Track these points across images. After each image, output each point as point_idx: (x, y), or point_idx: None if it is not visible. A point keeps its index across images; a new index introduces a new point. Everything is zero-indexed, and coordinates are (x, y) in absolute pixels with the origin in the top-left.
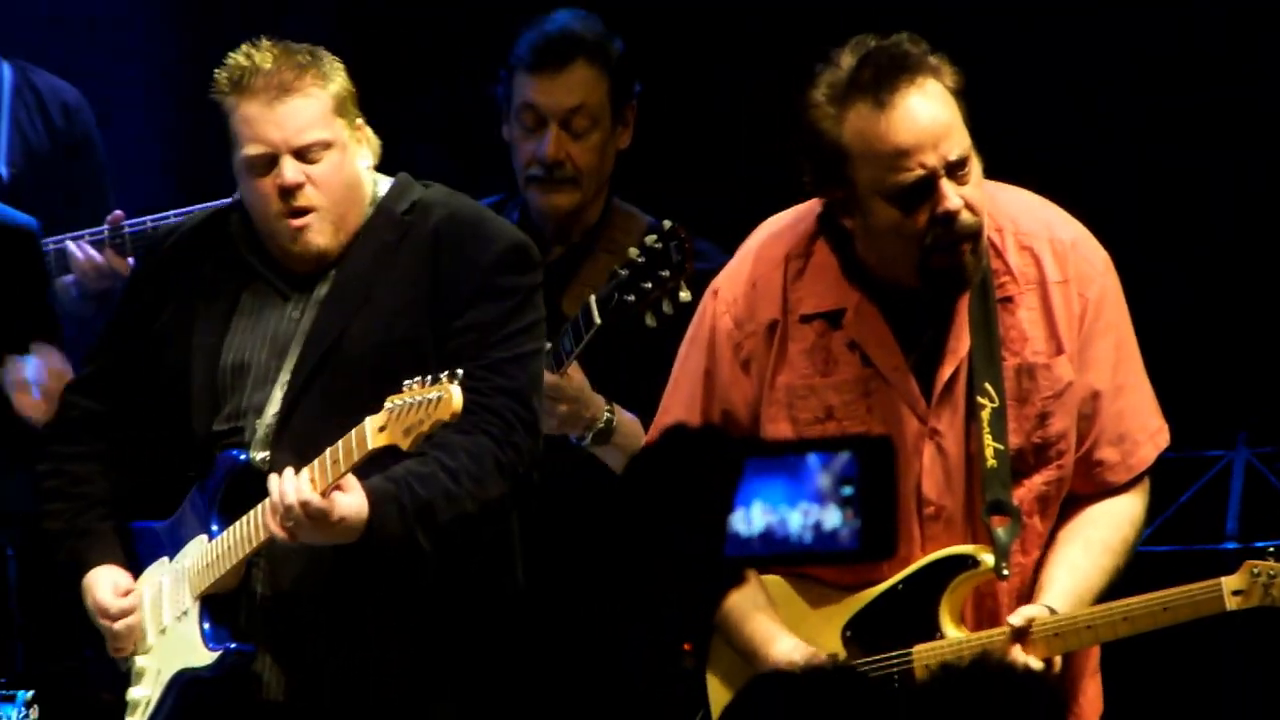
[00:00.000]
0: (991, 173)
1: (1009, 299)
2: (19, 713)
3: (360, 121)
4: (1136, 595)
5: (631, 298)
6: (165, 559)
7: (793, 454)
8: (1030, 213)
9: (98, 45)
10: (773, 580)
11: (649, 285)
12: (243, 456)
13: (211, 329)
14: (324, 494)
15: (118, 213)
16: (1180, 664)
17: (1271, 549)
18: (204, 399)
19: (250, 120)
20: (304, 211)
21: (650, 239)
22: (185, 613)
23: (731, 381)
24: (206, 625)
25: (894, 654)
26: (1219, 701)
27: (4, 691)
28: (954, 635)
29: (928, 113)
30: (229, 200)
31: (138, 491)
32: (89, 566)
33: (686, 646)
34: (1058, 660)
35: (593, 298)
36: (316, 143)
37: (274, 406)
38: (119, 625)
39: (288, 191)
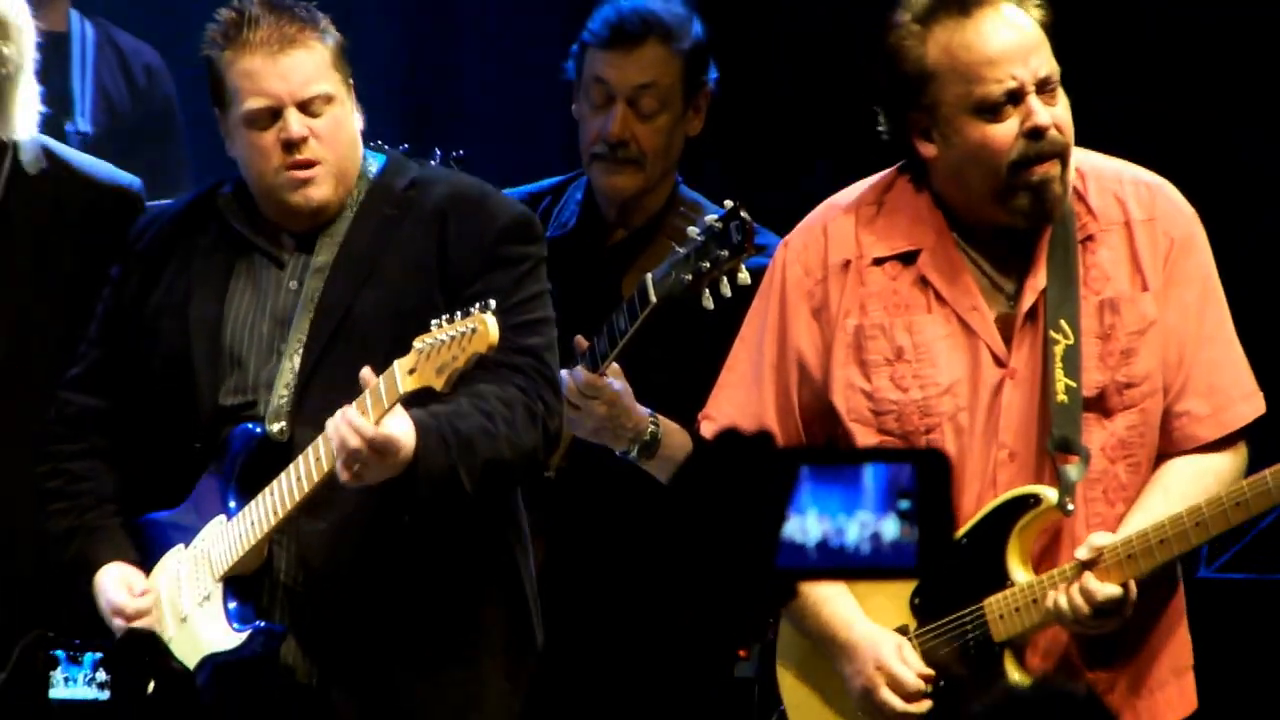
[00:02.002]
0: None
1: (1090, 238)
2: (86, 675)
3: (351, 81)
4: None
5: (689, 277)
6: (180, 546)
7: (855, 461)
8: (1112, 163)
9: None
10: None
11: (707, 265)
12: (259, 430)
13: (208, 304)
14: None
15: None
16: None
17: None
18: (208, 374)
19: (252, 74)
20: (308, 164)
21: (711, 219)
22: (207, 597)
23: (802, 331)
24: (232, 605)
25: (965, 612)
26: None
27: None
28: (1023, 580)
29: (1017, 24)
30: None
31: (142, 486)
32: (99, 565)
33: (742, 654)
34: (1134, 586)
35: (649, 276)
36: (320, 95)
37: (286, 378)
38: (136, 625)
39: (292, 144)
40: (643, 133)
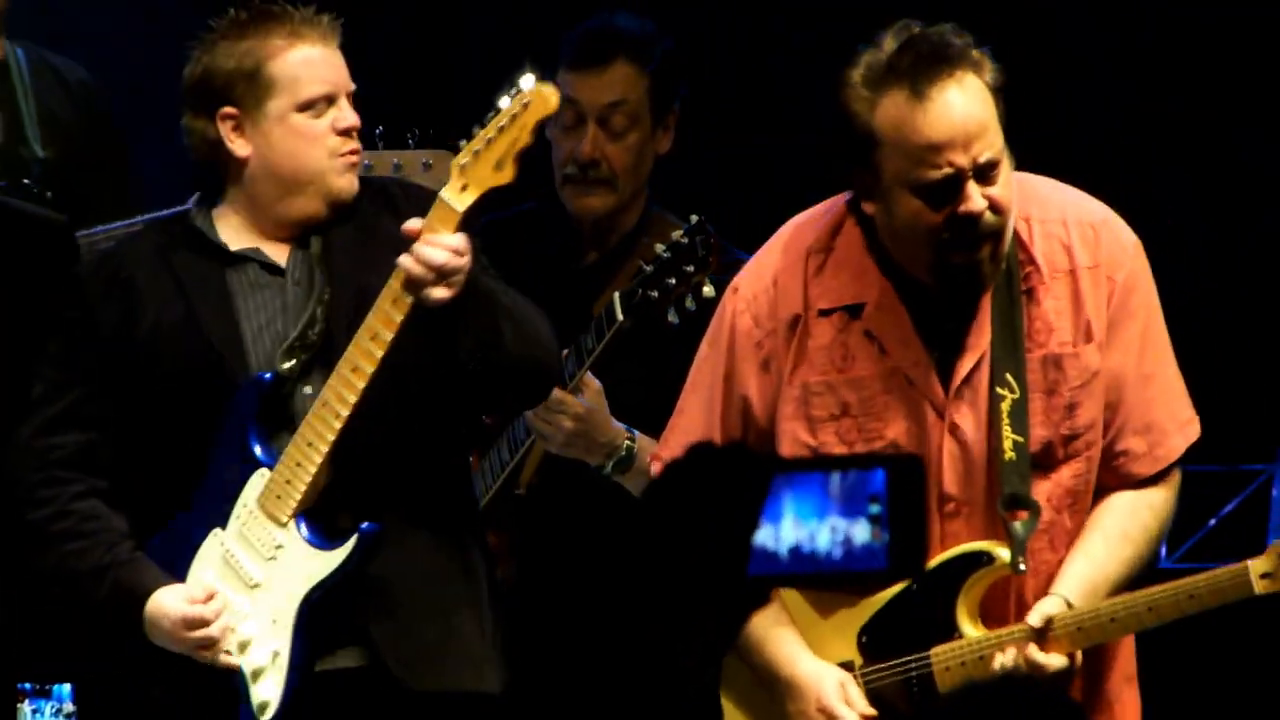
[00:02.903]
0: (1022, 162)
1: (1033, 290)
2: (54, 706)
3: None
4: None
5: (655, 294)
6: (216, 531)
7: (822, 468)
8: (1057, 199)
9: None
10: (784, 588)
11: (673, 281)
12: (267, 375)
13: (220, 317)
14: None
15: None
16: (1221, 670)
17: None
18: (238, 377)
19: (312, 61)
20: (355, 153)
21: (677, 234)
22: (279, 546)
23: (750, 382)
24: (310, 535)
25: (911, 658)
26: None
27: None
28: (973, 635)
29: (963, 110)
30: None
31: (145, 508)
32: (148, 592)
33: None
34: (1079, 655)
35: (616, 295)
36: (352, 90)
37: (294, 330)
38: (215, 629)
39: (348, 131)
40: (614, 152)
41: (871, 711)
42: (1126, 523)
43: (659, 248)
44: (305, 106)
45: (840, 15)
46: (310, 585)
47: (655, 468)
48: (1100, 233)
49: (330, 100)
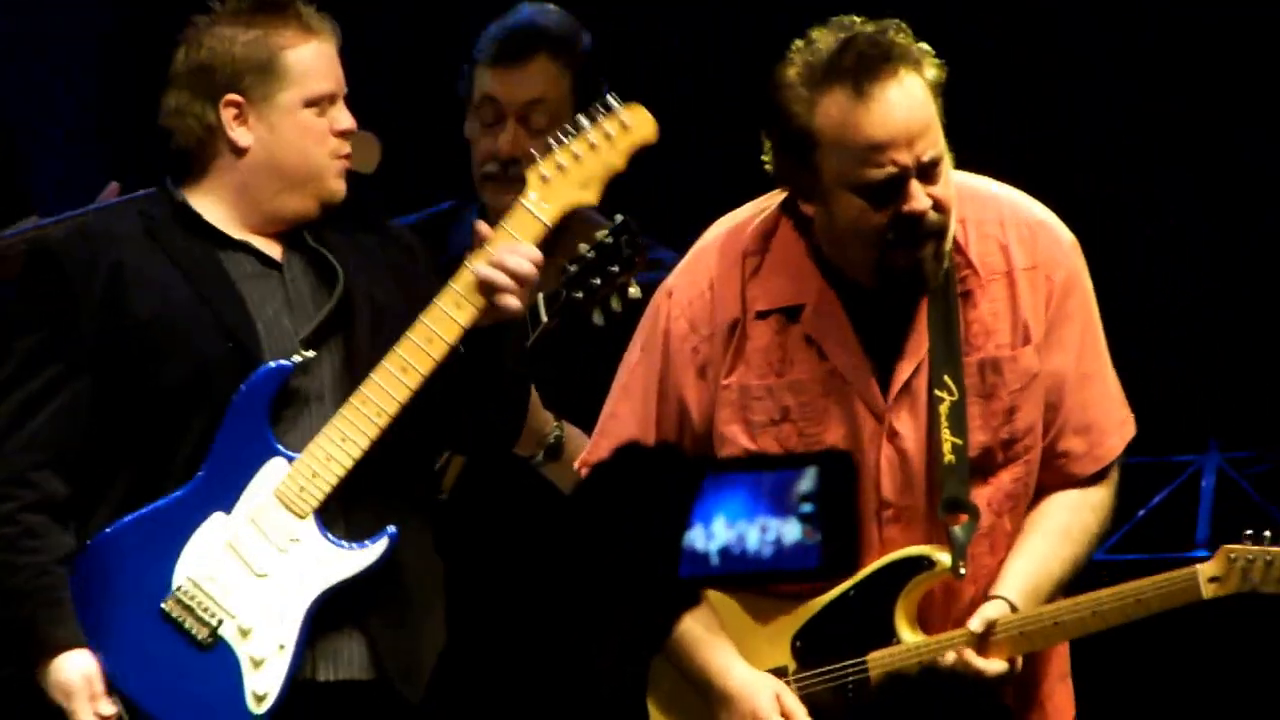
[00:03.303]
0: (966, 162)
1: (970, 293)
2: None
3: None
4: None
5: (580, 294)
6: (218, 515)
7: (753, 468)
8: (994, 200)
9: None
10: (716, 593)
11: (598, 281)
12: (287, 365)
13: (232, 304)
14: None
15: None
16: (1156, 666)
17: (1248, 532)
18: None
19: (323, 57)
20: (349, 156)
21: (601, 233)
22: (295, 539)
23: (686, 387)
24: (332, 536)
25: (848, 663)
26: (1195, 705)
27: None
28: (911, 640)
29: (906, 108)
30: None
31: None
32: (60, 648)
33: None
34: (1020, 660)
35: (541, 296)
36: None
37: (309, 323)
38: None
39: (345, 134)
40: (534, 149)
41: None
42: (1068, 521)
43: (583, 248)
44: (313, 102)
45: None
46: (331, 583)
47: (584, 472)
48: (1037, 233)
49: (333, 99)
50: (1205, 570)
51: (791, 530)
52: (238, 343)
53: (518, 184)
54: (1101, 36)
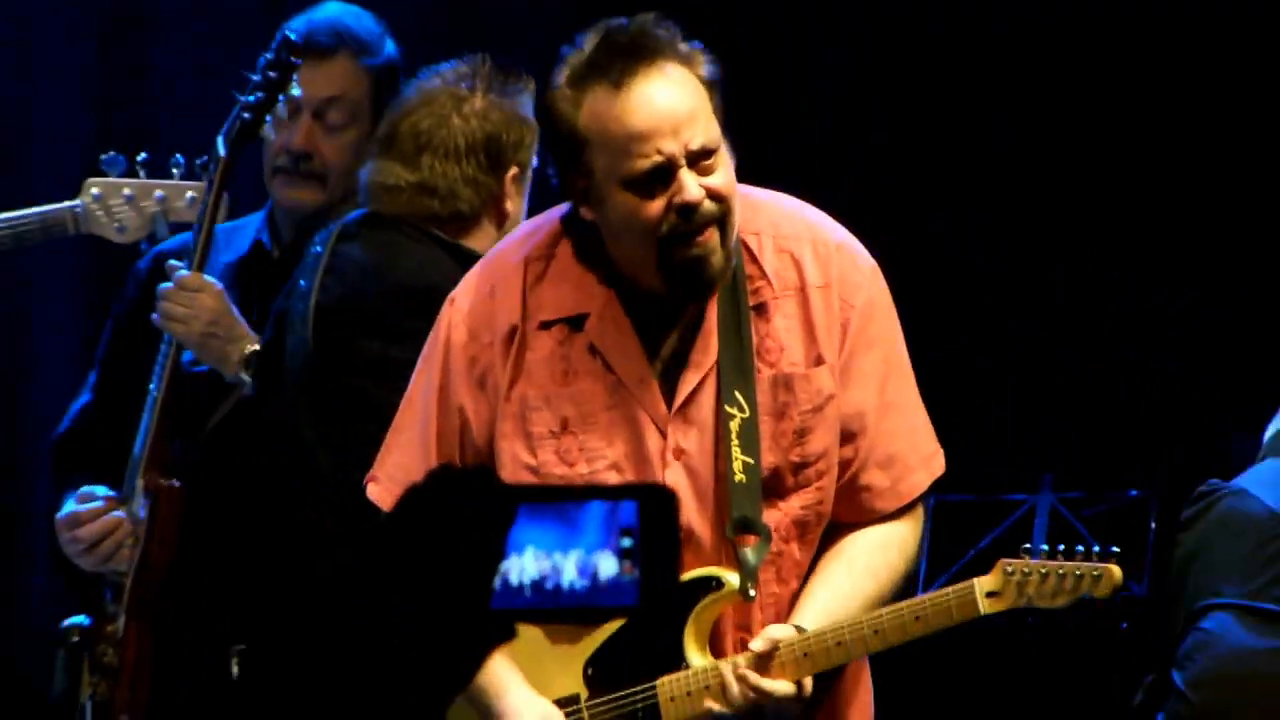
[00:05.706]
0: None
1: (763, 305)
2: None
3: None
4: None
5: (249, 115)
6: None
7: (554, 497)
8: (792, 216)
9: None
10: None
11: (262, 95)
12: None
13: None
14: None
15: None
16: (953, 672)
17: (1025, 546)
18: None
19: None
20: None
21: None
22: None
23: (465, 398)
24: None
25: (638, 689)
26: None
27: None
28: (699, 664)
29: (667, 97)
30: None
31: None
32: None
33: None
34: (808, 682)
35: (218, 138)
36: None
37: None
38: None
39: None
40: (328, 147)
41: None
42: (872, 559)
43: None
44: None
45: (841, 15)
46: None
47: (370, 488)
48: (834, 254)
49: None
50: (983, 584)
51: (608, 565)
52: None
53: (309, 180)
54: (1100, 36)
